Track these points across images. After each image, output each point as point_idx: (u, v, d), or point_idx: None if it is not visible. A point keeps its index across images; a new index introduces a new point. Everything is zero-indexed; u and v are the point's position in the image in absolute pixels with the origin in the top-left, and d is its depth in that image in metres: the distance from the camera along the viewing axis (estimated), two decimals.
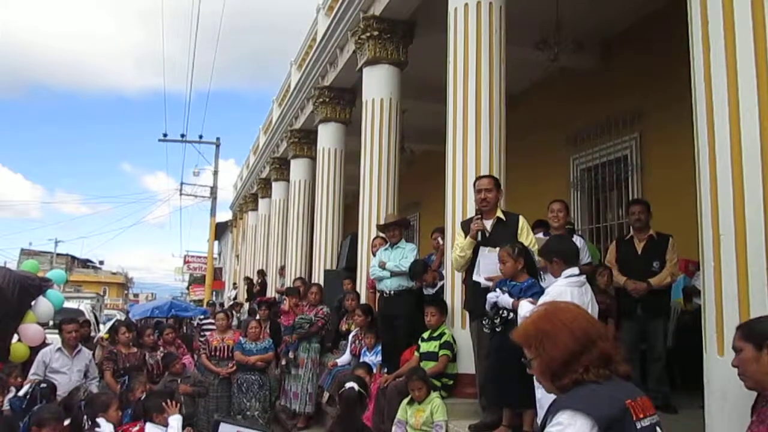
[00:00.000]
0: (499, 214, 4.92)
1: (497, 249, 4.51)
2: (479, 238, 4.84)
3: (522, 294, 4.25)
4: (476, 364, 5.04)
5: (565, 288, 3.81)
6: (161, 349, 7.22)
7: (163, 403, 4.41)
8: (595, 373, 1.72)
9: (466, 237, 4.92)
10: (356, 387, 3.97)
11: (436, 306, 5.56)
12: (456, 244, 5.08)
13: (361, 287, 8.08)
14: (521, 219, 4.91)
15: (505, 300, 4.33)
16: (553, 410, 1.72)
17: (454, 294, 5.71)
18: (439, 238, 6.76)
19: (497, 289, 4.42)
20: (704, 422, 3.30)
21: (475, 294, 4.85)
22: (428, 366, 5.31)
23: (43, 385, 5.38)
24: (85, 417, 4.34)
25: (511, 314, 4.31)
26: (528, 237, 4.80)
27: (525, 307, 3.99)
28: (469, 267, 4.95)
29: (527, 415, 4.22)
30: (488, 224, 4.89)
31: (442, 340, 5.39)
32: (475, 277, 4.79)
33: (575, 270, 3.90)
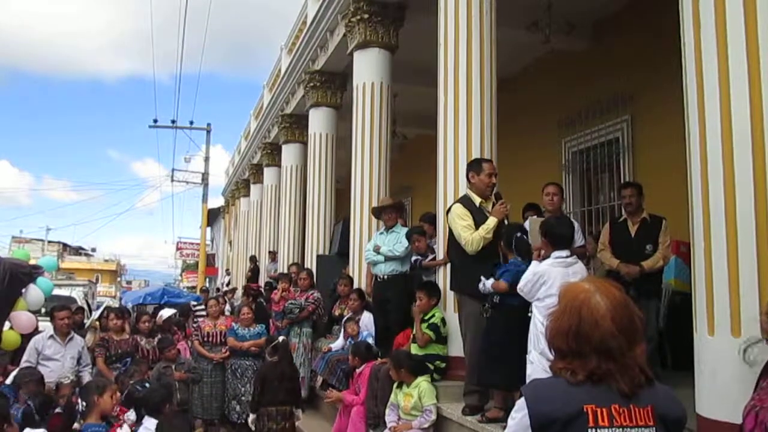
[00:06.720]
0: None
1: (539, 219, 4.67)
2: (506, 221, 4.88)
3: (501, 276, 4.41)
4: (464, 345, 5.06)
5: (548, 267, 3.89)
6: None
7: None
8: (575, 379, 1.56)
9: (473, 218, 4.80)
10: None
11: (426, 290, 5.55)
12: (466, 225, 4.81)
13: (354, 271, 8.07)
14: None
15: (487, 285, 4.47)
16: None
17: (446, 277, 5.71)
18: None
19: (482, 278, 4.53)
20: (694, 402, 3.33)
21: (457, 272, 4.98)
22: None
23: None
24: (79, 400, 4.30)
25: (497, 298, 4.40)
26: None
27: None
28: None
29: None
30: (489, 206, 4.92)
31: (430, 322, 5.39)
32: None
33: (563, 253, 3.95)
